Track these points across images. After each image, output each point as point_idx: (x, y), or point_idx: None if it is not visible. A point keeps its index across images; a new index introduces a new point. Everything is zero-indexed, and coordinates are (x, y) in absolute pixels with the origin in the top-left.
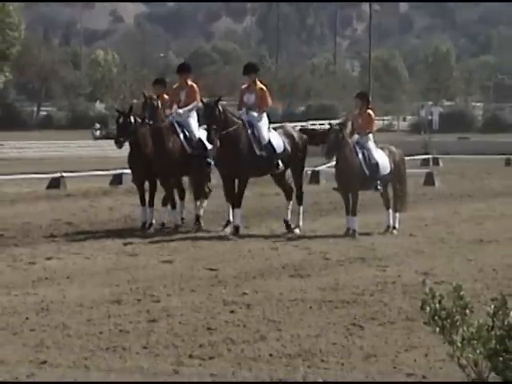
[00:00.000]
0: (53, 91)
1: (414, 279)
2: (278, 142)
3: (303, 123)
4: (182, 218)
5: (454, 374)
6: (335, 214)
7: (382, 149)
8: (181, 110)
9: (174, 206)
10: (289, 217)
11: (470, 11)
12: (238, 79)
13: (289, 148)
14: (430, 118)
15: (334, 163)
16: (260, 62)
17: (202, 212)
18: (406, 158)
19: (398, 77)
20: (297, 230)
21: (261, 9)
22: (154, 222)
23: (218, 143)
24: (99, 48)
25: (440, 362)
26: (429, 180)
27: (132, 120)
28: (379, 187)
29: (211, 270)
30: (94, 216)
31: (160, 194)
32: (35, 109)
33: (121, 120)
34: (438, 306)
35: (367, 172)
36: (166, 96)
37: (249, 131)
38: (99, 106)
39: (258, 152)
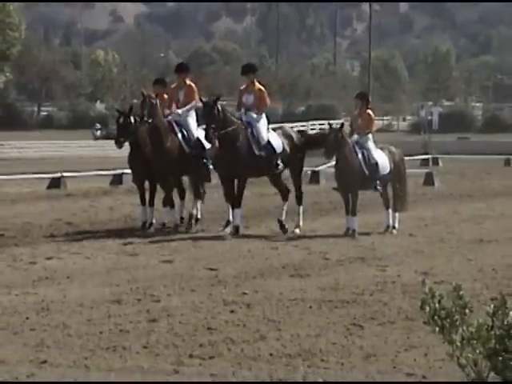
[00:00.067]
0: (53, 91)
1: (413, 279)
2: (277, 142)
3: (303, 123)
4: (182, 218)
5: (453, 374)
6: (335, 214)
7: (381, 149)
8: (179, 110)
9: (172, 206)
10: (283, 217)
11: (469, 11)
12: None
13: (288, 148)
14: (429, 118)
15: (333, 163)
16: (260, 62)
17: (195, 212)
18: (406, 158)
19: (397, 77)
20: (297, 230)
21: (261, 9)
22: (154, 221)
23: (217, 143)
24: (99, 48)
25: (440, 362)
26: (428, 180)
27: (132, 120)
28: (379, 187)
29: (211, 269)
30: (94, 216)
31: (160, 193)
32: (36, 109)
33: (121, 120)
34: (437, 305)
35: (367, 172)
36: (165, 96)
37: (248, 131)
38: (99, 106)
39: (257, 152)
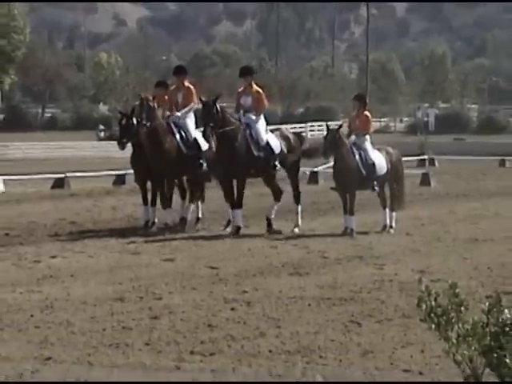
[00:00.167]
0: (57, 93)
1: (410, 277)
2: (275, 143)
3: (302, 124)
4: (182, 218)
5: (449, 370)
6: (333, 214)
7: (379, 150)
8: (179, 113)
9: (169, 206)
10: (272, 215)
11: (465, 15)
12: (238, 81)
13: (285, 150)
14: (426, 119)
15: (332, 164)
16: (260, 64)
17: (188, 215)
18: (403, 159)
19: (394, 79)
20: (296, 229)
21: (261, 13)
22: (156, 221)
23: (215, 142)
24: (103, 51)
25: (436, 359)
26: (425, 180)
27: (134, 122)
28: (376, 188)
29: (212, 268)
30: (97, 215)
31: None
32: (40, 110)
33: (123, 122)
34: (433, 303)
35: (364, 172)
36: (167, 98)
37: (247, 132)
38: (102, 108)
39: (255, 153)
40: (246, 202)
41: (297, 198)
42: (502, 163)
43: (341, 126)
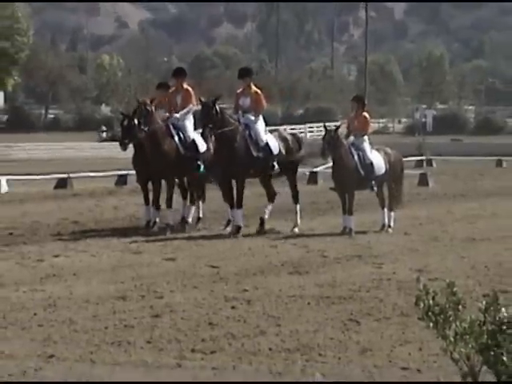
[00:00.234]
0: (60, 95)
1: (408, 276)
2: (274, 144)
3: (302, 125)
4: (183, 217)
5: (447, 368)
6: (332, 214)
7: (377, 150)
8: (178, 115)
9: (170, 206)
10: (266, 216)
11: (462, 18)
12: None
13: (283, 151)
14: (423, 120)
15: (331, 164)
16: (260, 66)
17: (189, 215)
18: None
19: (393, 81)
20: (296, 229)
21: (261, 15)
22: (157, 220)
23: (214, 143)
24: (105, 53)
25: (434, 356)
26: (423, 180)
27: (136, 123)
28: (374, 187)
29: (213, 267)
30: (99, 215)
31: (164, 194)
32: (43, 111)
33: (125, 123)
34: (431, 302)
35: (362, 172)
36: (167, 100)
37: (246, 133)
38: (105, 109)
39: (254, 153)
40: (246, 202)
41: (295, 197)
42: (499, 163)
43: (339, 127)
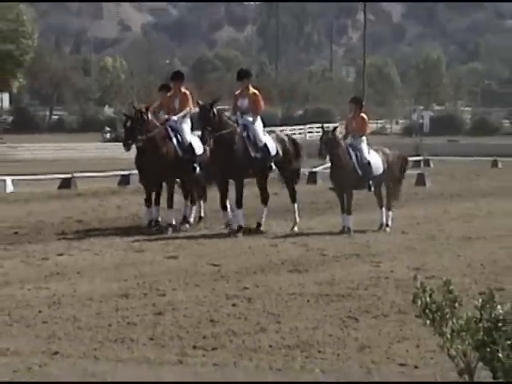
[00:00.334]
0: (64, 96)
1: (406, 274)
2: (271, 145)
3: (301, 126)
4: (185, 217)
5: (443, 364)
6: (331, 213)
7: (376, 150)
8: (175, 117)
9: (171, 206)
10: (263, 220)
11: (459, 21)
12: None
13: (280, 152)
14: (421, 121)
15: (329, 164)
16: (260, 68)
17: (192, 215)
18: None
19: (390, 83)
20: (295, 228)
21: (261, 18)
22: (159, 219)
23: (212, 145)
24: (108, 55)
25: (431, 353)
26: (420, 180)
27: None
28: (372, 187)
29: (214, 265)
30: (103, 214)
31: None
32: (47, 113)
33: (128, 124)
34: (428, 299)
35: (360, 172)
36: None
37: (244, 134)
38: (108, 111)
39: (253, 154)
40: (246, 202)
41: (293, 197)
42: (495, 164)
43: (336, 128)
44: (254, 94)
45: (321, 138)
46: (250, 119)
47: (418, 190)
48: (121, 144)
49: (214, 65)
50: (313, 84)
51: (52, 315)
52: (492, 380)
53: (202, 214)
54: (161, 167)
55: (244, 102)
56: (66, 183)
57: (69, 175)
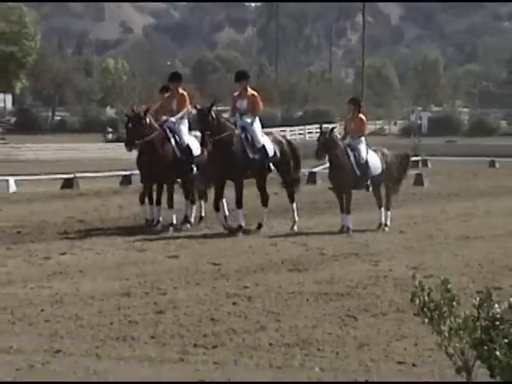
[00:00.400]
0: (66, 97)
1: (404, 273)
2: (269, 146)
3: (301, 127)
4: (186, 217)
5: (441, 362)
6: (331, 213)
7: (375, 151)
8: (173, 118)
9: (171, 206)
10: (264, 221)
11: (457, 23)
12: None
13: (278, 153)
14: (419, 122)
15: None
16: (260, 69)
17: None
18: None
19: (389, 84)
20: (295, 227)
21: (261, 20)
22: (160, 219)
23: (211, 148)
24: (110, 57)
25: (429, 351)
26: (418, 180)
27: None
28: (370, 187)
29: (215, 264)
30: (104, 214)
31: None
32: (50, 114)
33: (130, 125)
34: (426, 298)
35: (358, 172)
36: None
37: (242, 136)
38: (110, 111)
39: (251, 155)
40: (247, 201)
41: (291, 197)
42: (492, 164)
43: (333, 128)
44: (253, 95)
45: (318, 139)
46: (249, 121)
47: (416, 189)
48: (122, 144)
49: (215, 66)
50: (312, 85)
51: (54, 314)
52: (489, 378)
53: (203, 214)
54: (160, 168)
55: (243, 104)
56: (68, 183)
57: (71, 175)
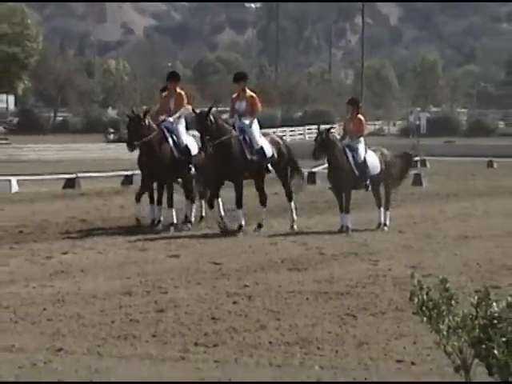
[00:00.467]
0: (68, 98)
1: (403, 272)
2: (267, 147)
3: (300, 127)
4: (186, 216)
5: (440, 361)
6: (330, 213)
7: (374, 151)
8: (171, 118)
9: (171, 205)
10: (263, 220)
11: (455, 24)
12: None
13: (275, 154)
14: (418, 122)
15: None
16: (260, 70)
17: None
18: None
19: (388, 85)
20: (294, 226)
21: (261, 22)
22: (161, 219)
23: (211, 151)
24: (111, 58)
25: (427, 350)
26: (417, 180)
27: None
28: (369, 187)
29: (215, 263)
30: (106, 214)
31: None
32: (52, 114)
33: (131, 125)
34: (425, 297)
35: (357, 172)
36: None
37: (241, 137)
38: (111, 112)
39: (249, 156)
40: (247, 201)
41: (288, 196)
42: (490, 164)
43: (330, 129)
44: (251, 96)
45: (315, 139)
46: (247, 122)
47: (415, 189)
48: (124, 145)
49: (215, 67)
50: (312, 86)
51: (56, 312)
52: (487, 376)
53: (203, 214)
54: (158, 168)
55: (242, 105)
56: (70, 183)
57: (73, 175)
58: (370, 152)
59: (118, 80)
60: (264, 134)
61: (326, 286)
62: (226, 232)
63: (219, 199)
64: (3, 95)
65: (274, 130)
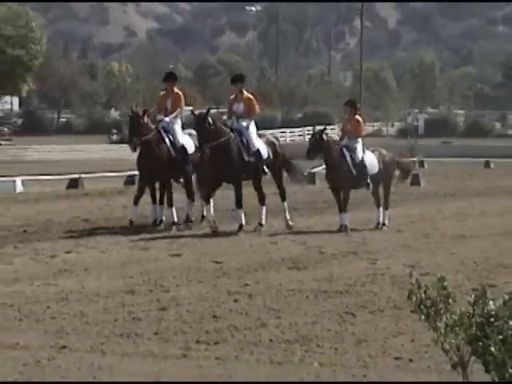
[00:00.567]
0: (72, 100)
1: (401, 271)
2: (263, 149)
3: (300, 128)
4: (187, 216)
5: (438, 358)
6: (329, 212)
7: (372, 151)
8: (167, 118)
9: (171, 205)
10: (263, 221)
11: (452, 27)
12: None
13: (271, 155)
14: (415, 123)
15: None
16: (261, 72)
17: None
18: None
19: (386, 86)
20: (290, 223)
21: (262, 25)
22: (163, 218)
23: (209, 153)
24: (114, 60)
25: (425, 347)
26: (415, 181)
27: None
28: (370, 186)
29: (216, 262)
30: (109, 213)
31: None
32: (56, 116)
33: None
34: (423, 295)
35: (354, 172)
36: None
37: (238, 139)
38: (114, 114)
39: (246, 158)
40: (247, 201)
41: (282, 196)
42: (487, 165)
43: (324, 129)
44: (249, 98)
45: (309, 140)
46: (244, 124)
47: (413, 189)
48: (126, 145)
49: (217, 69)
50: (312, 88)
51: (60, 311)
52: (484, 373)
53: (205, 213)
54: (157, 168)
55: (239, 107)
56: (73, 183)
57: (76, 176)
58: (367, 152)
59: (121, 82)
60: (260, 135)
61: (325, 285)
62: (215, 232)
63: (211, 200)
64: (8, 97)
65: (273, 131)
